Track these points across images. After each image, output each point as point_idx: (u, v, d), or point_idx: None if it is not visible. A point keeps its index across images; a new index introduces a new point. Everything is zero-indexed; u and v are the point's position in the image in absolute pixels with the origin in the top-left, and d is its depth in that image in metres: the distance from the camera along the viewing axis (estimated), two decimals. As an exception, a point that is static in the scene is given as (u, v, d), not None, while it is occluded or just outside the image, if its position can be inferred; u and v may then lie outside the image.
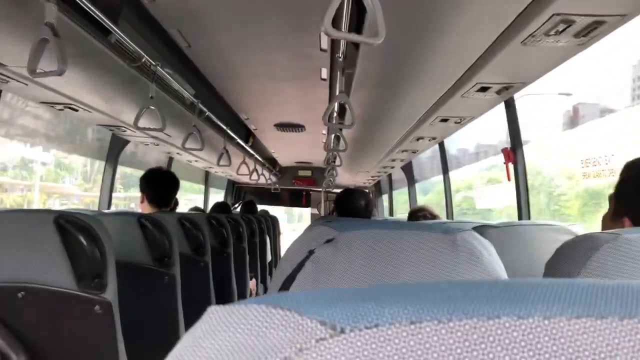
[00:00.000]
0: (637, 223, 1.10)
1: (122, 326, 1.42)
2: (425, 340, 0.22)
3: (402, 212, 7.44)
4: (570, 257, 0.91)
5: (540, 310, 0.22)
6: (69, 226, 1.35)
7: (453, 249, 0.87)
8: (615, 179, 1.18)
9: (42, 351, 1.32)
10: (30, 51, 1.55)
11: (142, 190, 2.62)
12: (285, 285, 0.89)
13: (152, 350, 1.91)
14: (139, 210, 2.79)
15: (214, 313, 0.26)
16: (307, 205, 8.96)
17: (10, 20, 1.70)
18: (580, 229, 1.65)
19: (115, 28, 1.91)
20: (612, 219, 1.14)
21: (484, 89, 2.22)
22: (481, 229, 1.55)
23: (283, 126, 4.61)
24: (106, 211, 3.35)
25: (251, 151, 5.47)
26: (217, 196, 7.99)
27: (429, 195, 6.73)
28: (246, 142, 5.19)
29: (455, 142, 4.51)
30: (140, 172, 2.83)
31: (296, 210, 11.52)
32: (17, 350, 1.28)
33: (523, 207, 2.66)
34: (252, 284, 4.30)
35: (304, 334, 0.23)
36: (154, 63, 2.32)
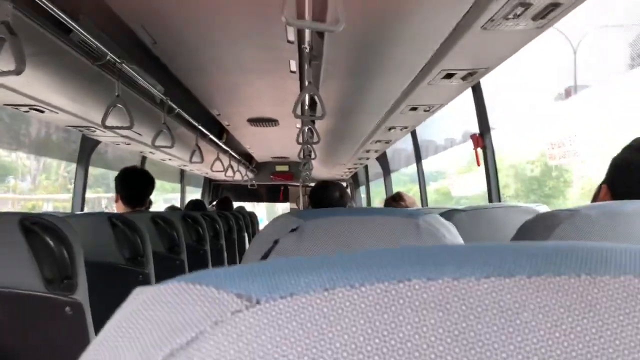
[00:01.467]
0: (615, 192, 1.12)
1: (96, 326, 1.41)
2: (338, 306, 0.22)
3: (380, 203, 7.49)
4: (530, 235, 0.92)
5: (450, 272, 0.23)
6: (35, 227, 1.33)
7: (416, 232, 0.88)
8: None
9: (13, 354, 1.31)
10: None
11: (117, 189, 2.59)
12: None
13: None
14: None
15: (139, 293, 0.26)
16: (285, 200, 8.94)
17: None
18: (546, 209, 1.68)
19: (76, 26, 1.87)
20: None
21: (449, 76, 2.24)
22: (449, 213, 1.57)
23: (256, 121, 4.58)
24: (77, 212, 3.31)
25: (225, 147, 5.43)
26: (195, 195, 7.93)
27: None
28: (219, 138, 5.16)
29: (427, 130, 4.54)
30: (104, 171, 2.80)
31: (279, 206, 11.52)
32: (-14, 355, 1.26)
33: (493, 191, 2.69)
34: (231, 280, 4.28)
35: (220, 307, 0.23)
36: (118, 60, 2.29)
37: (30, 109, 2.63)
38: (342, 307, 0.22)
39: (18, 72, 1.53)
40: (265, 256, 0.89)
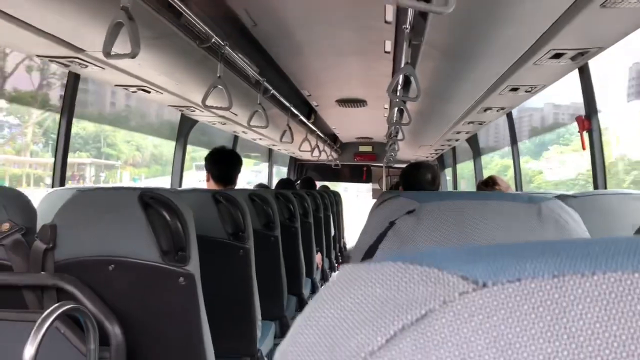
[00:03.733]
0: None
1: (204, 296, 1.49)
2: (570, 292, 0.22)
3: (466, 186, 7.32)
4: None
5: None
6: (152, 202, 1.41)
7: (539, 218, 0.86)
8: None
9: (131, 320, 1.40)
10: (105, 34, 1.61)
11: (207, 168, 2.68)
12: (367, 257, 0.91)
13: (229, 319, 1.99)
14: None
15: (350, 270, 0.27)
16: (367, 181, 8.94)
17: (88, 7, 1.78)
18: (667, 198, 1.58)
19: (185, 9, 1.95)
20: None
21: (557, 56, 2.13)
22: (561, 199, 1.51)
23: (344, 102, 4.60)
24: (180, 189, 3.47)
25: (313, 127, 5.49)
26: (281, 173, 8.12)
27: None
28: (308, 118, 5.22)
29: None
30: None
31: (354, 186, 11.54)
32: (111, 319, 1.36)
33: (599, 176, 2.55)
34: (318, 257, 4.36)
35: (447, 288, 0.24)
36: (222, 43, 2.37)
37: (138, 89, 2.79)
38: (573, 294, 0.22)
39: (133, 55, 1.61)
40: (381, 236, 0.90)
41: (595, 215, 1.51)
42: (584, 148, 2.63)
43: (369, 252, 0.91)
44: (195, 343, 1.45)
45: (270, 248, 2.66)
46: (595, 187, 2.60)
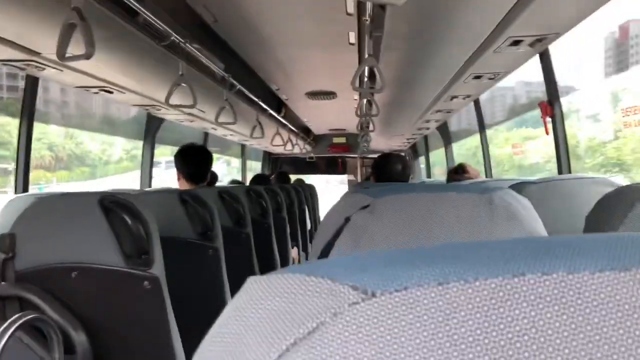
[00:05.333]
0: None
1: (170, 300, 1.47)
2: (453, 300, 0.23)
3: (440, 174, 7.39)
4: (610, 209, 0.89)
5: (564, 266, 0.23)
6: (113, 206, 1.40)
7: (489, 209, 0.87)
8: None
9: (97, 327, 1.38)
10: (59, 36, 1.58)
11: (177, 167, 2.65)
12: (324, 253, 0.91)
13: (201, 321, 1.97)
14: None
15: (254, 283, 0.27)
16: (343, 172, 8.97)
17: (40, 9, 1.74)
18: (623, 181, 1.61)
19: (141, 8, 1.92)
20: None
21: (516, 43, 2.16)
22: (520, 186, 1.53)
23: (314, 94, 4.60)
24: (147, 189, 3.44)
25: (284, 121, 5.48)
26: (256, 168, 8.09)
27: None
28: (278, 112, 5.21)
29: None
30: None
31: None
32: (76, 326, 1.34)
33: (563, 161, 2.60)
34: (294, 252, 4.37)
35: (338, 299, 0.24)
36: (182, 40, 2.34)
37: (100, 90, 2.74)
38: (457, 301, 0.23)
39: (88, 56, 1.58)
40: (337, 233, 0.91)
41: (556, 200, 1.54)
42: (547, 133, 2.67)
43: (325, 249, 0.91)
44: (163, 346, 1.45)
45: (242, 245, 2.65)
46: (560, 172, 2.65)
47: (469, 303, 0.22)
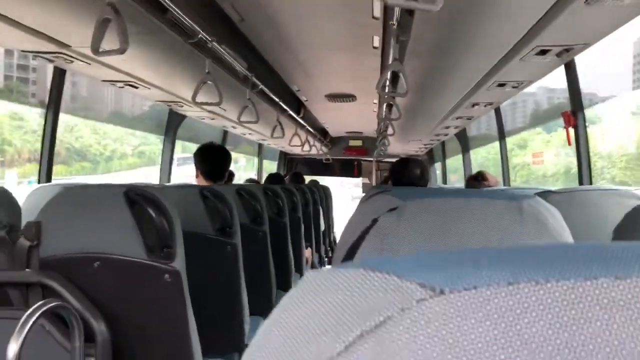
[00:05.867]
0: None
1: (189, 293, 1.49)
2: (524, 300, 0.23)
3: (455, 181, 7.35)
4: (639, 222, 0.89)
5: (637, 271, 0.23)
6: (138, 199, 1.41)
7: (519, 216, 0.87)
8: None
9: (117, 317, 1.40)
10: (93, 31, 1.60)
11: (196, 165, 2.68)
12: (350, 254, 0.91)
13: (218, 315, 1.99)
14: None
15: (313, 277, 0.28)
16: (358, 175, 8.96)
17: (73, 2, 1.76)
18: (648, 194, 1.60)
19: (171, 5, 1.94)
20: None
21: (543, 52, 2.15)
22: (543, 195, 1.52)
23: (334, 97, 4.60)
24: (167, 184, 3.46)
25: (303, 122, 5.49)
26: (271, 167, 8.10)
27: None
28: (297, 113, 5.22)
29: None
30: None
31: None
32: (97, 316, 1.36)
33: (584, 172, 2.58)
34: (307, 252, 4.37)
35: (405, 295, 0.24)
36: (209, 38, 2.36)
37: (126, 84, 2.77)
38: (527, 301, 0.23)
39: (122, 50, 1.60)
40: (364, 233, 0.91)
41: (577, 211, 1.52)
42: (569, 143, 2.65)
43: (351, 250, 0.91)
44: (181, 339, 1.46)
45: (258, 243, 2.66)
46: (580, 182, 2.63)
47: (540, 304, 0.23)
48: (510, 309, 0.23)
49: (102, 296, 1.40)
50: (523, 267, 0.24)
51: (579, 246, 0.26)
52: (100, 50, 1.62)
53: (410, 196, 0.91)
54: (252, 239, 2.56)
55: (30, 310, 1.18)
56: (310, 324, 0.26)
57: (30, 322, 1.17)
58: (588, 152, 2.62)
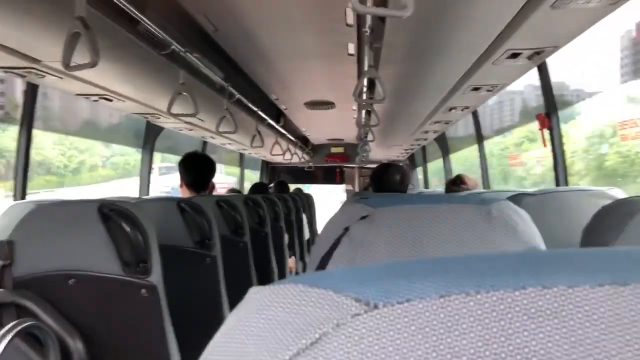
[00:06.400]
0: None
1: (168, 308, 1.47)
2: (455, 312, 0.23)
3: (436, 184, 7.40)
4: (608, 222, 0.90)
5: (564, 280, 0.23)
6: (112, 214, 1.40)
7: (488, 221, 0.87)
8: None
9: (94, 335, 1.38)
10: (63, 45, 1.59)
11: (180, 174, 2.66)
12: (323, 263, 0.91)
13: (198, 329, 1.97)
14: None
15: (256, 293, 0.28)
16: (341, 182, 8.99)
17: (42, 17, 1.75)
18: (621, 194, 1.62)
19: (143, 17, 1.93)
20: None
21: (514, 55, 2.18)
22: (518, 197, 1.54)
23: (313, 104, 4.61)
24: (146, 197, 3.43)
25: (283, 131, 5.49)
26: (253, 177, 8.09)
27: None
28: (277, 122, 5.22)
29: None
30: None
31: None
32: (73, 334, 1.34)
33: (560, 173, 2.62)
34: (291, 261, 4.36)
35: (340, 310, 0.24)
36: (182, 50, 2.35)
37: (100, 98, 2.75)
38: (458, 313, 0.23)
39: (93, 64, 1.59)
40: (336, 243, 0.91)
41: (551, 212, 1.54)
42: (544, 145, 2.68)
43: (324, 259, 0.91)
44: (160, 354, 1.44)
45: (239, 254, 2.64)
46: (557, 183, 2.66)
47: (470, 316, 0.23)
48: (442, 322, 0.23)
49: (78, 314, 1.38)
50: (456, 278, 0.24)
51: (508, 255, 0.26)
52: (72, 64, 1.61)
53: (381, 204, 0.91)
54: (233, 250, 2.55)
55: (3, 331, 1.17)
56: (251, 343, 0.26)
57: (4, 343, 1.15)
58: (563, 153, 2.66)
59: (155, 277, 1.43)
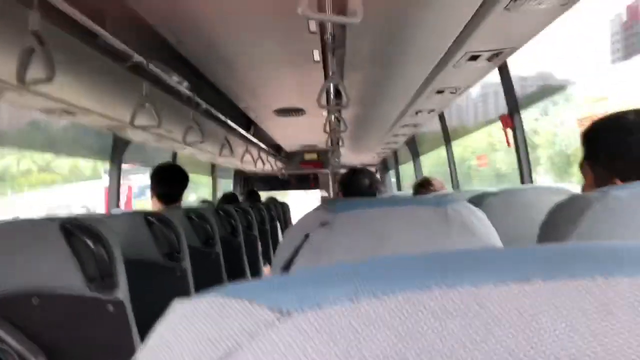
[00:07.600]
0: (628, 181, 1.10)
1: (137, 323, 1.45)
2: (364, 316, 0.23)
3: (409, 187, 7.47)
4: (562, 218, 0.92)
5: (469, 279, 0.24)
6: (74, 230, 1.38)
7: (445, 222, 0.88)
8: None
9: (60, 354, 1.35)
10: (17, 61, 1.56)
11: (151, 187, 2.62)
12: (285, 270, 0.91)
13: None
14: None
15: (177, 308, 0.27)
16: (316, 188, 8.99)
17: None
18: (579, 190, 1.65)
19: (101, 30, 1.91)
20: (597, 187, 1.09)
21: (474, 58, 2.21)
22: (480, 197, 1.56)
23: (283, 112, 4.61)
24: (114, 211, 3.38)
25: (254, 140, 5.47)
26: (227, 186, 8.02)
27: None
28: (247, 130, 5.20)
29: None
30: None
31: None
32: (37, 354, 1.31)
33: (524, 171, 2.66)
34: (266, 270, 4.34)
35: (255, 319, 0.24)
36: (144, 61, 2.33)
37: (63, 112, 2.70)
38: (367, 317, 0.23)
39: (48, 79, 1.57)
40: (297, 249, 0.91)
41: (516, 210, 1.57)
42: (508, 145, 2.73)
43: (285, 266, 0.91)
44: (129, 372, 1.42)
45: (212, 265, 2.62)
46: (522, 181, 2.70)
47: (378, 318, 0.23)
48: (351, 326, 0.23)
49: (44, 333, 1.36)
50: (366, 280, 0.24)
51: (418, 257, 0.26)
52: (27, 80, 1.58)
53: (341, 209, 0.92)
54: (205, 262, 2.52)
55: (-37, 354, 1.14)
56: (170, 356, 0.25)
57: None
58: (527, 152, 2.71)
59: (122, 292, 1.41)
